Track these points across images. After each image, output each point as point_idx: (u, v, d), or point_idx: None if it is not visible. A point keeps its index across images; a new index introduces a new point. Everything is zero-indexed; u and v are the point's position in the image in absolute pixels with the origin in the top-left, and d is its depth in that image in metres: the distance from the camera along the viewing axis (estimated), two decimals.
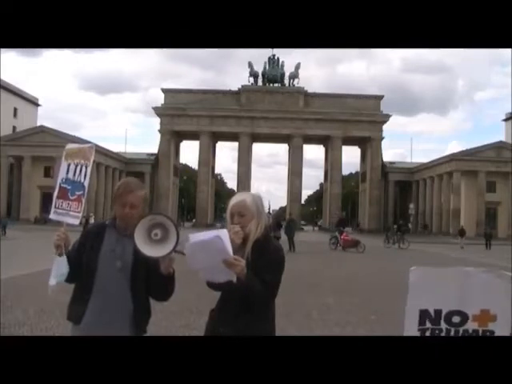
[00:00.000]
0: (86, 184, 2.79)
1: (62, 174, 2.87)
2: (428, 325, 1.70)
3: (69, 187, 2.83)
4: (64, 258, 2.57)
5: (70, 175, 2.83)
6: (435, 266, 1.77)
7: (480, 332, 1.71)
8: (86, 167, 2.78)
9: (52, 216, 2.87)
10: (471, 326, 1.70)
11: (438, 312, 1.70)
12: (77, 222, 2.75)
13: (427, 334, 1.71)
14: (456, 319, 1.70)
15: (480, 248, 30.60)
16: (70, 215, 2.78)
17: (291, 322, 7.02)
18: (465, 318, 1.70)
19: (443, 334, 1.71)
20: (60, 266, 2.58)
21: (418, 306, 1.70)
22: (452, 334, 1.71)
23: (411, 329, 1.71)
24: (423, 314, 1.70)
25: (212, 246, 2.18)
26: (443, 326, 1.70)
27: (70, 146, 2.94)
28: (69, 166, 2.84)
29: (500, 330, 1.71)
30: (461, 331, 1.71)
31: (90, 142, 3.13)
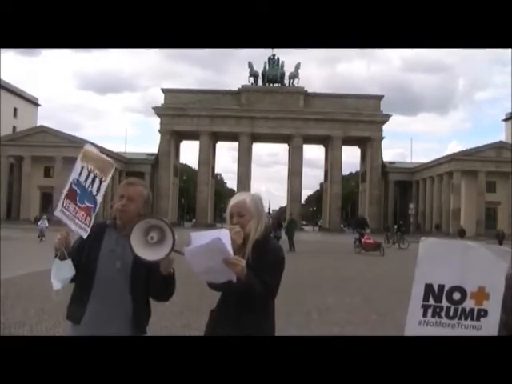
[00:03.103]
0: (99, 199, 2.57)
1: (74, 175, 2.68)
2: (431, 301, 1.74)
3: (78, 191, 2.64)
4: (69, 262, 2.51)
5: (82, 179, 2.63)
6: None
7: (475, 311, 1.75)
8: (101, 181, 2.57)
9: (58, 213, 2.70)
10: (469, 304, 1.74)
11: (441, 287, 1.73)
12: (84, 233, 2.56)
13: (429, 311, 1.75)
14: (456, 296, 1.74)
15: None
16: (75, 223, 2.60)
17: (291, 322, 7.02)
18: (464, 294, 1.74)
19: (443, 313, 1.75)
20: (64, 270, 2.51)
21: (424, 280, 1.74)
22: (451, 312, 1.75)
23: (416, 304, 1.75)
24: (428, 289, 1.74)
25: (213, 247, 2.18)
26: (444, 303, 1.74)
27: (89, 147, 2.71)
28: (82, 168, 2.64)
29: (492, 309, 1.75)
30: (459, 309, 1.75)
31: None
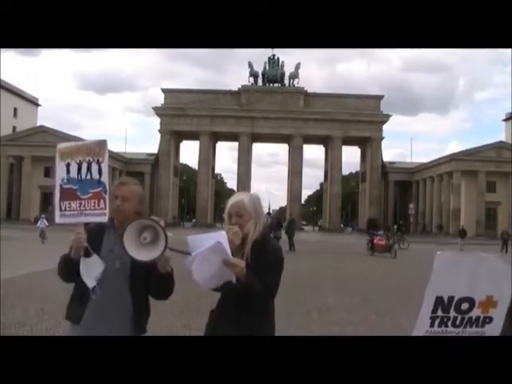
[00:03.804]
0: (104, 180, 2.59)
1: (60, 175, 2.69)
2: (439, 313, 1.73)
3: (75, 187, 2.64)
4: (96, 257, 2.50)
5: (73, 174, 2.65)
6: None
7: (481, 319, 1.74)
8: (99, 163, 2.60)
9: (60, 220, 2.68)
10: (476, 312, 1.73)
11: (450, 299, 1.72)
12: (104, 219, 2.59)
13: (436, 322, 1.73)
14: (465, 306, 1.73)
15: (481, 249, 30.41)
16: (86, 214, 2.61)
17: (291, 322, 7.02)
18: (472, 304, 1.73)
19: (450, 323, 1.74)
20: (94, 266, 2.50)
21: (435, 293, 1.72)
22: (458, 321, 1.74)
23: (425, 316, 1.73)
24: (438, 302, 1.72)
25: (214, 252, 2.18)
26: (452, 313, 1.73)
27: (62, 144, 2.75)
28: (68, 165, 2.67)
29: (497, 316, 1.74)
30: (466, 318, 1.74)
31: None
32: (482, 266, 1.70)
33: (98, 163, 2.61)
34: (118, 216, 2.59)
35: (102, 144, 2.65)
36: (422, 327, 1.74)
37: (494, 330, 1.74)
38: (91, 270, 2.51)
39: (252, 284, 2.29)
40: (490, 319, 1.74)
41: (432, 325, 1.73)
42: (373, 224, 26.26)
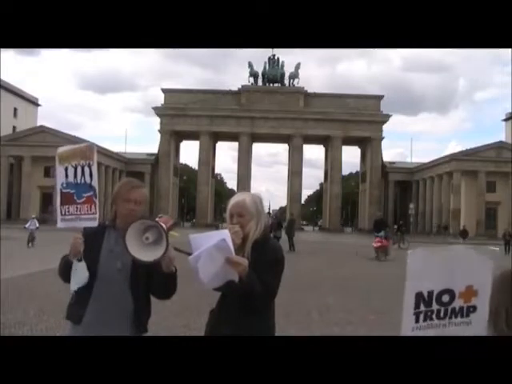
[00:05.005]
0: (95, 184, 2.64)
1: (60, 179, 2.72)
2: (422, 308, 1.76)
3: (73, 191, 2.68)
4: (83, 263, 2.53)
5: (71, 179, 2.68)
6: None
7: (465, 308, 1.78)
8: (90, 167, 2.63)
9: (61, 224, 2.73)
10: (458, 303, 1.77)
11: (430, 293, 1.76)
12: (95, 223, 2.63)
13: (421, 316, 1.77)
14: (445, 298, 1.76)
15: (482, 249, 30.19)
16: (82, 219, 2.65)
17: (291, 322, 7.02)
18: (452, 295, 1.77)
19: (434, 315, 1.77)
20: (81, 272, 2.53)
21: (414, 290, 1.75)
22: (442, 314, 1.78)
23: (408, 313, 1.76)
24: (418, 297, 1.75)
25: (218, 249, 2.18)
26: (434, 307, 1.77)
27: (61, 149, 2.77)
28: (66, 169, 2.70)
29: (481, 304, 1.78)
30: (449, 310, 1.78)
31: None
32: (455, 258, 1.75)
33: (89, 166, 2.64)
34: (129, 220, 2.47)
35: (91, 147, 2.68)
36: (408, 324, 1.77)
37: (479, 318, 1.78)
38: (76, 275, 2.54)
39: (253, 283, 2.29)
40: (474, 308, 1.78)
41: (417, 320, 1.77)
42: (377, 224, 24.26)
